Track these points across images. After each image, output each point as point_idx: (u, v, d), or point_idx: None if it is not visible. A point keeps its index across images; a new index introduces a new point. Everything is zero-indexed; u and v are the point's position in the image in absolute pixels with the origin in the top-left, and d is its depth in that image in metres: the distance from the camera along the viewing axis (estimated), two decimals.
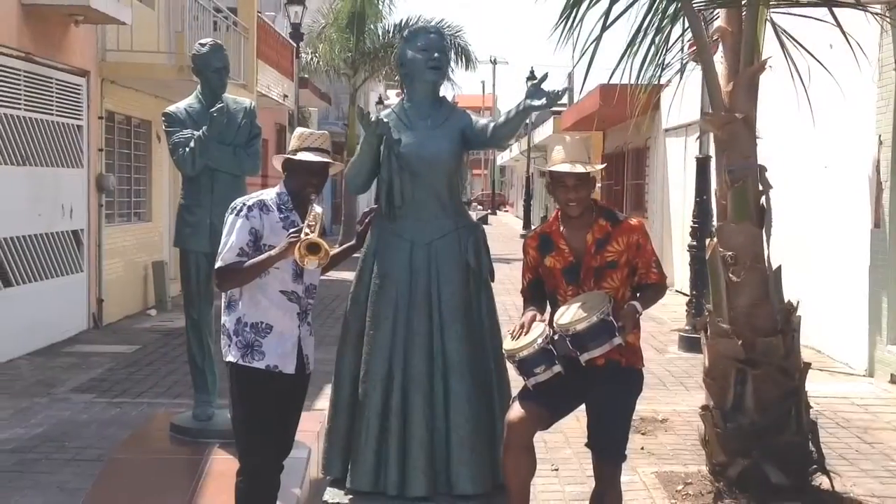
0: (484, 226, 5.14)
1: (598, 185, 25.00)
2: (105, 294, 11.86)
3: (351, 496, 4.54)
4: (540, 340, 4.03)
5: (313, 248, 3.85)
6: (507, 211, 63.96)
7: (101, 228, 11.83)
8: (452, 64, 26.69)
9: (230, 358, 4.16)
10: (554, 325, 4.06)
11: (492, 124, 4.55)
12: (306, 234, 3.90)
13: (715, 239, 5.70)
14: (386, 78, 29.42)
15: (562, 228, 4.25)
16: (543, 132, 30.72)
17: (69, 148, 11.04)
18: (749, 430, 5.44)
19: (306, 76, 21.81)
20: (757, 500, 5.33)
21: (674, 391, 8.51)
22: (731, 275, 5.53)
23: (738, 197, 5.54)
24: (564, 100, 29.28)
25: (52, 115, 10.57)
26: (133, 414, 7.37)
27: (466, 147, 4.66)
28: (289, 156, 4.22)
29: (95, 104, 11.61)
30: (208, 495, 4.77)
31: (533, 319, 4.11)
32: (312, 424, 5.34)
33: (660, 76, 6.01)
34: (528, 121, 34.37)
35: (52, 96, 10.61)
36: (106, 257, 11.93)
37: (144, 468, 5.18)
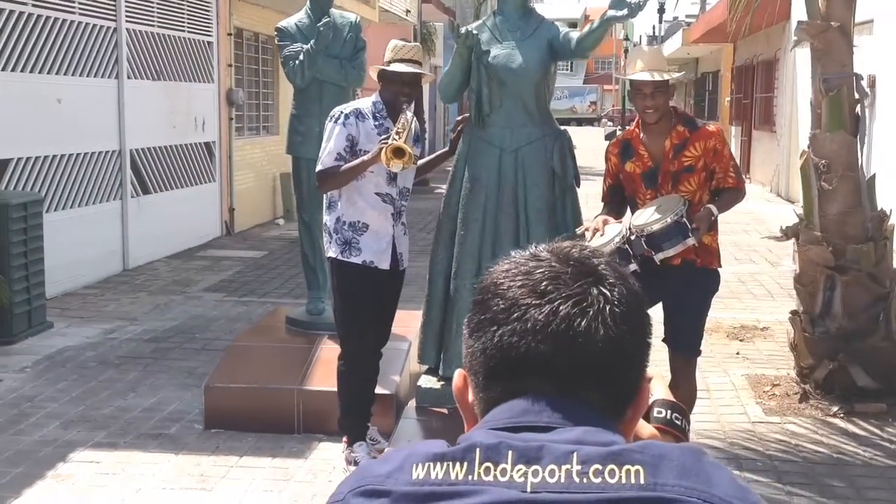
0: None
1: (728, 99, 24.49)
2: (236, 203, 12.54)
3: (443, 383, 4.92)
4: (617, 239, 4.26)
5: (398, 153, 4.18)
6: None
7: (232, 141, 12.46)
8: None
9: (331, 254, 4.56)
10: (630, 226, 4.30)
11: (576, 35, 4.74)
12: (394, 140, 4.22)
13: (809, 147, 5.76)
14: None
15: (642, 135, 4.44)
16: (672, 45, 30.07)
17: (200, 63, 11.62)
18: (836, 335, 5.58)
19: None
20: (843, 401, 5.49)
21: (780, 301, 8.57)
22: (823, 182, 5.60)
23: (833, 105, 5.58)
24: (696, 10, 28.48)
25: (183, 31, 11.14)
26: (258, 311, 7.95)
27: (554, 58, 4.86)
28: (382, 67, 4.53)
29: (224, 21, 12.13)
30: (317, 377, 5.24)
31: (605, 223, 4.34)
32: (414, 320, 5.73)
33: None
34: (658, 34, 33.63)
35: (184, 13, 11.16)
36: (236, 169, 12.59)
37: (262, 354, 5.70)
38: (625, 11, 4.46)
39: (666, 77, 4.28)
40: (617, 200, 4.59)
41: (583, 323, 1.07)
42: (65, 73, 8.64)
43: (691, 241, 4.20)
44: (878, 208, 5.70)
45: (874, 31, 12.16)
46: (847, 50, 5.59)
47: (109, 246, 9.54)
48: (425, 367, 5.16)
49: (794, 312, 5.87)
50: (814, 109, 5.77)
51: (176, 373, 6.21)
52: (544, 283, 1.11)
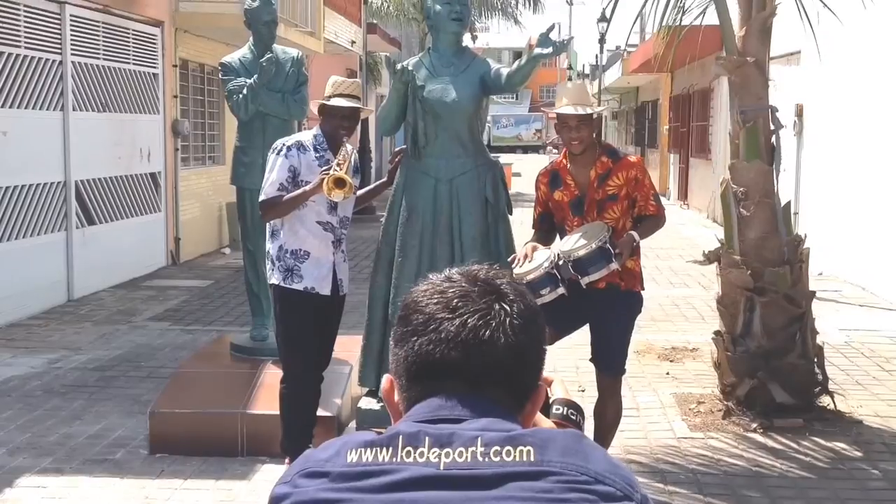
0: None
1: (666, 127, 25.05)
2: (182, 233, 12.64)
3: (382, 404, 5.12)
4: (546, 265, 4.52)
5: (339, 183, 4.40)
6: None
7: (178, 171, 12.57)
8: (520, 7, 26.96)
9: (273, 280, 4.75)
10: (558, 252, 4.55)
11: (506, 71, 5.01)
12: (335, 171, 4.45)
13: (728, 175, 6.08)
14: None
15: (568, 165, 4.71)
16: (612, 75, 30.72)
17: (146, 95, 11.75)
18: (756, 353, 5.88)
19: (375, 22, 22.26)
20: (763, 417, 5.78)
21: (711, 324, 8.85)
22: (741, 209, 5.92)
23: (750, 136, 5.92)
24: (635, 40, 29.20)
25: (129, 63, 11.27)
26: (204, 339, 8.07)
27: (486, 93, 5.12)
28: (323, 101, 4.76)
29: (170, 53, 12.28)
30: (260, 401, 5.41)
31: (533, 249, 4.59)
32: (354, 345, 5.91)
33: (680, 19, 6.36)
34: (600, 63, 34.30)
35: (129, 46, 11.29)
36: (182, 198, 12.69)
37: (207, 380, 5.86)
38: (550, 49, 4.73)
39: (589, 111, 4.56)
40: (546, 227, 4.85)
41: (487, 333, 1.33)
42: (10, 106, 8.73)
43: (614, 265, 4.46)
44: (794, 233, 6.04)
45: (801, 62, 12.66)
46: (763, 83, 5.94)
47: (54, 276, 9.60)
48: (366, 390, 5.36)
49: (717, 333, 6.17)
50: (732, 140, 6.10)
51: (121, 400, 6.32)
52: (455, 301, 1.36)
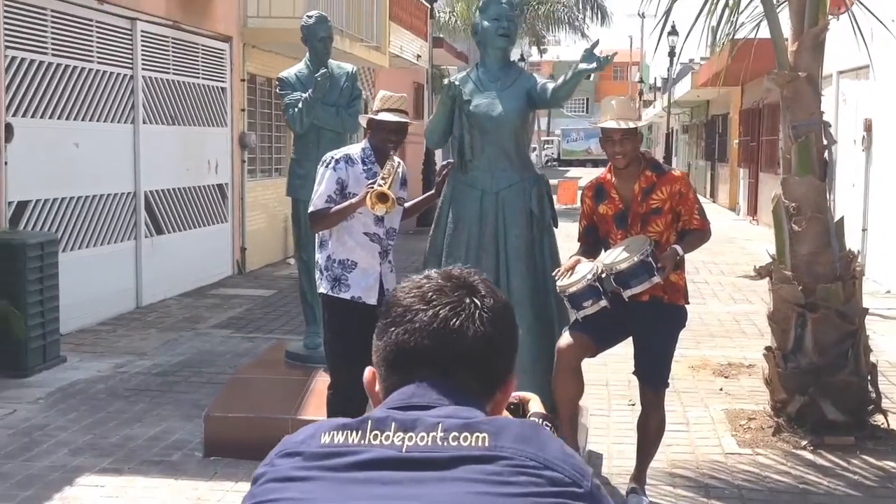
0: None
1: (736, 141, 24.75)
2: (248, 243, 12.92)
3: None
4: (589, 277, 4.57)
5: (382, 198, 4.51)
6: None
7: (244, 183, 12.86)
8: (588, 20, 26.97)
9: (322, 289, 4.88)
10: (600, 265, 4.60)
11: (551, 86, 5.08)
12: (379, 185, 4.56)
13: (780, 190, 6.05)
14: (529, 34, 29.79)
15: (613, 179, 4.76)
16: (682, 88, 30.47)
17: (214, 108, 12.06)
18: (807, 370, 5.83)
19: (441, 36, 22.47)
20: (813, 434, 5.73)
21: (769, 340, 8.81)
22: (793, 224, 5.89)
23: (802, 151, 5.89)
24: (706, 53, 28.97)
25: (198, 78, 11.59)
26: (262, 347, 8.26)
27: (532, 107, 5.20)
28: (371, 116, 4.88)
29: (238, 67, 12.59)
30: (310, 407, 5.54)
31: (576, 262, 4.65)
32: None
33: (733, 34, 6.36)
34: (670, 76, 34.02)
35: (199, 61, 11.61)
36: (248, 209, 12.98)
37: (261, 386, 6.02)
38: (594, 65, 4.79)
39: (632, 125, 4.61)
40: (591, 241, 4.90)
41: (457, 322, 1.45)
42: (82, 119, 9.06)
43: (656, 279, 4.49)
44: (847, 248, 5.98)
45: (871, 76, 12.46)
46: (815, 98, 5.91)
47: (123, 284, 9.91)
48: None
49: (768, 349, 6.14)
50: (784, 155, 6.07)
51: (181, 404, 6.52)
52: (430, 294, 1.49)
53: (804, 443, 5.66)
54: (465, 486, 1.30)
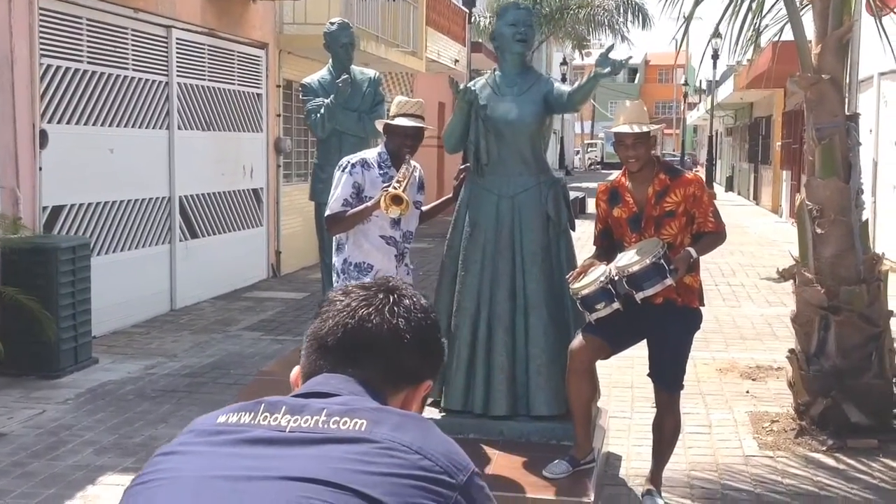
0: None
1: (779, 143, 24.51)
2: (282, 247, 13.05)
3: (444, 414, 5.25)
4: (602, 278, 4.58)
5: (397, 200, 4.56)
6: (697, 171, 62.59)
7: (279, 187, 12.99)
8: (628, 24, 26.86)
9: None
10: (613, 267, 4.61)
11: (567, 90, 5.09)
12: (394, 188, 4.61)
13: (803, 193, 6.01)
14: (567, 37, 29.77)
15: (627, 182, 4.77)
16: (725, 90, 30.24)
17: (250, 114, 12.20)
18: (830, 373, 5.78)
19: (480, 41, 22.49)
20: (836, 437, 5.68)
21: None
22: (816, 227, 5.84)
23: (825, 153, 5.84)
24: (750, 56, 28.76)
25: (233, 84, 11.73)
26: (291, 349, 8.35)
27: (548, 111, 5.21)
28: (387, 121, 4.94)
29: (273, 73, 12.73)
30: None
31: (589, 265, 4.66)
32: None
33: (757, 38, 6.32)
34: (714, 79, 33.76)
35: (234, 67, 11.76)
36: (283, 214, 13.11)
37: (281, 386, 6.04)
38: (609, 69, 4.80)
39: (645, 129, 4.61)
40: (606, 244, 4.91)
41: (366, 312, 1.52)
42: (118, 125, 9.22)
43: (669, 281, 4.49)
44: (872, 251, 5.92)
45: None
46: (839, 101, 5.86)
47: (158, 287, 10.06)
48: (430, 400, 5.49)
49: (791, 351, 6.09)
50: (806, 157, 6.02)
51: (206, 405, 6.60)
52: (351, 290, 1.57)
53: (827, 445, 5.61)
54: (326, 462, 1.34)
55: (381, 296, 1.54)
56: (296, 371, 1.60)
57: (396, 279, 1.64)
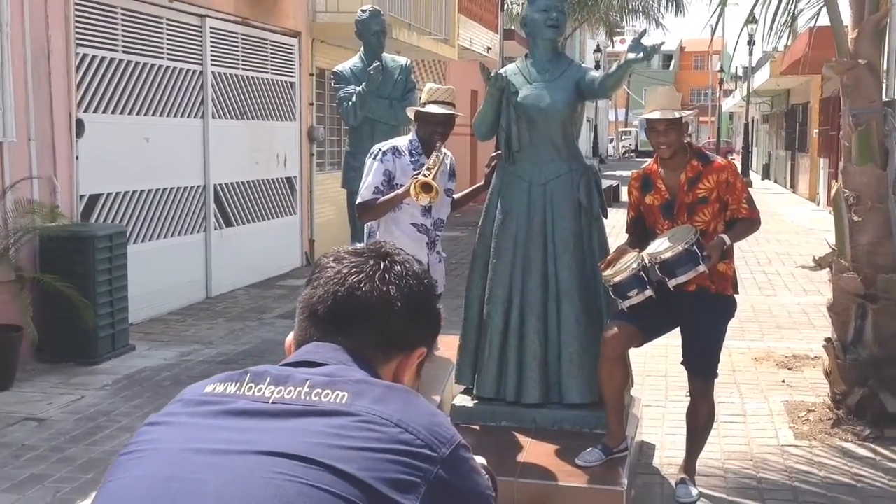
0: None
1: (816, 130, 24.22)
2: (316, 235, 13.10)
3: (476, 401, 5.26)
4: (634, 265, 4.56)
5: (426, 188, 4.56)
6: (733, 158, 62.00)
7: (313, 175, 13.04)
8: (662, 10, 26.62)
9: None
10: (645, 254, 4.58)
11: (599, 76, 5.06)
12: (424, 175, 4.61)
13: (840, 180, 5.94)
14: (601, 23, 29.57)
15: (659, 169, 4.74)
16: (762, 76, 29.91)
17: (283, 103, 12.25)
18: (867, 362, 5.72)
19: (513, 28, 22.40)
20: (873, 427, 5.62)
21: None
22: (853, 214, 5.77)
23: (862, 140, 5.76)
24: (786, 41, 28.49)
25: (267, 73, 11.78)
26: None
27: (580, 98, 5.18)
28: (418, 108, 4.93)
29: (307, 62, 12.76)
30: None
31: (622, 253, 4.64)
32: (456, 345, 6.06)
33: (792, 24, 6.25)
34: (750, 65, 33.42)
35: (268, 56, 11.81)
36: (317, 202, 13.16)
37: None
38: (640, 55, 4.76)
39: (676, 115, 4.57)
40: (639, 231, 4.88)
41: (356, 279, 1.49)
42: (153, 114, 9.29)
43: (702, 268, 4.45)
44: None
45: None
46: (876, 86, 5.78)
47: (193, 275, 10.15)
48: (462, 387, 5.50)
49: (827, 340, 6.03)
50: (843, 143, 5.95)
51: None
52: (345, 258, 1.53)
53: (864, 435, 5.55)
54: (302, 436, 1.32)
55: (372, 262, 1.50)
56: (290, 338, 1.57)
57: (389, 244, 1.59)
